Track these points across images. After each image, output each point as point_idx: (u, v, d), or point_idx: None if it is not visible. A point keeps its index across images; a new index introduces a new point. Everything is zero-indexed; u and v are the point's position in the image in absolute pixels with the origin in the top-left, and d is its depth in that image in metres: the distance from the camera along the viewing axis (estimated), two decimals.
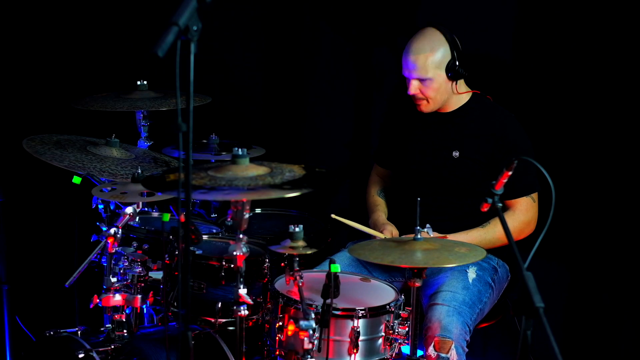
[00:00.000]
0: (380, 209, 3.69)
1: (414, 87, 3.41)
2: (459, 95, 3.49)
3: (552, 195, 2.46)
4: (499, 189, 2.55)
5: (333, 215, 3.33)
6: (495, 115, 3.47)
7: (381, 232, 3.47)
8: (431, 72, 3.39)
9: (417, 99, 3.44)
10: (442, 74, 3.41)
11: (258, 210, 3.84)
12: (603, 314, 3.90)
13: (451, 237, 3.35)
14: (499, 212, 2.52)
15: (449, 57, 3.41)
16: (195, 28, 2.11)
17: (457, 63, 3.41)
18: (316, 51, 4.37)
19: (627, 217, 3.76)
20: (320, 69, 4.37)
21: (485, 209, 2.57)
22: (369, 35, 4.24)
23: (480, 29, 3.91)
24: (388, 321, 2.89)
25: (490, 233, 3.40)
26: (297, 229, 2.79)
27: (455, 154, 3.46)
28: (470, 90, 3.51)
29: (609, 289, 3.87)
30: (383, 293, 3.05)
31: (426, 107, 3.46)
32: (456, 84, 3.45)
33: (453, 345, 3.09)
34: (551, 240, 2.66)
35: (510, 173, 2.54)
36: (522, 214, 3.42)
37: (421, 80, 3.40)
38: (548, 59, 3.85)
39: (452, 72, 3.41)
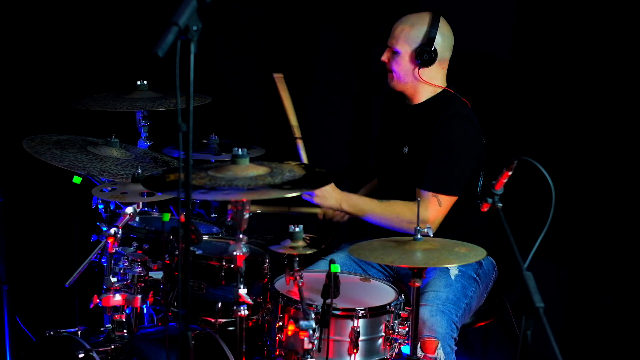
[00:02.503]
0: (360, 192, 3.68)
1: (384, 54, 3.45)
2: (425, 88, 3.43)
3: (552, 195, 2.46)
4: (499, 188, 2.55)
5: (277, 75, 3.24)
6: (446, 109, 3.38)
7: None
8: (400, 45, 3.39)
9: (386, 69, 3.46)
10: (409, 52, 3.39)
11: (258, 211, 3.83)
12: (603, 314, 3.90)
13: (353, 197, 3.33)
14: (499, 213, 2.52)
15: (422, 40, 3.37)
16: (195, 28, 2.11)
17: (427, 51, 3.36)
18: (316, 51, 4.37)
19: (627, 217, 3.76)
20: (320, 69, 4.37)
21: (485, 209, 2.57)
22: (369, 35, 4.24)
23: (480, 29, 3.91)
24: (388, 321, 2.89)
25: (385, 208, 3.29)
26: (297, 229, 2.79)
27: (405, 149, 3.44)
28: (438, 85, 3.44)
29: (609, 289, 3.87)
30: (383, 293, 3.05)
31: (390, 81, 3.46)
32: (419, 69, 3.39)
33: (439, 344, 3.08)
34: (551, 240, 2.66)
35: (510, 173, 2.54)
36: (422, 207, 3.11)
37: (391, 50, 3.42)
38: (548, 59, 3.85)
39: (416, 56, 3.37)
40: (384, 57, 3.44)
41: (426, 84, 3.43)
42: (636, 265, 3.76)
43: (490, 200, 2.55)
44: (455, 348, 3.16)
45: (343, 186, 4.28)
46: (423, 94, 3.46)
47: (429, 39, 3.37)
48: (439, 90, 3.45)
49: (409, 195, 3.36)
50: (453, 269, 3.33)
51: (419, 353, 3.05)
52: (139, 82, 3.70)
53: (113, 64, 4.39)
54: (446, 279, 3.30)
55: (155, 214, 3.53)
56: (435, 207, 3.29)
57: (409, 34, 3.39)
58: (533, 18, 3.88)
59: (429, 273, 3.35)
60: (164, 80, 3.17)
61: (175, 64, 2.10)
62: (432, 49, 3.37)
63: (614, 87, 3.72)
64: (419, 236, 2.84)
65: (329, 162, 4.38)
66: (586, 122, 3.79)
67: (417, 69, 3.40)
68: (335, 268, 2.68)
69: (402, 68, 3.41)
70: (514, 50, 3.93)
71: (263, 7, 4.40)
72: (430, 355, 3.05)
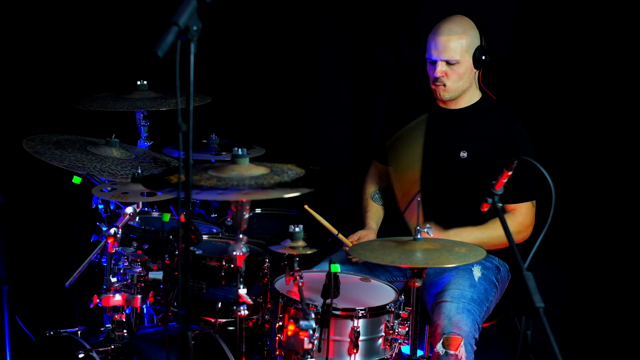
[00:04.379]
0: (371, 215, 3.66)
1: (440, 70, 3.41)
2: (472, 92, 3.50)
3: (552, 195, 2.46)
4: (499, 189, 2.55)
5: (306, 207, 3.27)
6: (504, 118, 3.49)
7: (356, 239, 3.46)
8: (460, 55, 3.40)
9: (438, 82, 3.44)
10: (469, 59, 3.42)
11: (258, 210, 3.83)
12: (603, 314, 3.90)
13: (452, 233, 3.34)
14: (499, 212, 2.53)
15: (477, 43, 3.44)
16: (195, 28, 2.11)
17: (484, 50, 3.44)
18: (316, 51, 4.37)
19: (627, 217, 3.76)
20: (320, 69, 4.37)
21: (485, 209, 2.57)
22: (369, 35, 4.24)
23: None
24: (388, 321, 2.89)
25: (490, 232, 3.39)
26: (297, 229, 2.79)
27: (463, 154, 3.45)
28: (484, 88, 3.54)
29: (609, 288, 3.87)
30: (383, 293, 3.05)
31: (447, 94, 3.46)
32: (480, 72, 3.48)
33: (463, 342, 3.09)
34: (551, 240, 2.65)
35: (510, 173, 2.54)
36: (522, 216, 3.42)
37: (448, 62, 3.41)
38: (548, 59, 3.85)
39: (477, 58, 3.43)
40: (440, 73, 3.41)
41: (476, 87, 3.50)
42: (636, 265, 3.76)
43: (490, 200, 2.55)
44: (475, 348, 3.17)
45: (343, 186, 4.31)
46: (469, 98, 3.51)
47: (484, 41, 3.45)
48: (479, 93, 3.53)
49: (466, 197, 3.45)
50: (476, 271, 3.36)
51: (440, 349, 3.07)
52: (139, 82, 3.70)
53: (113, 64, 4.39)
54: (470, 279, 3.32)
55: (155, 214, 3.53)
56: (532, 211, 3.44)
57: (467, 41, 3.41)
58: (533, 18, 3.88)
59: (450, 271, 3.38)
60: (164, 80, 3.17)
61: (175, 64, 2.10)
62: (489, 50, 3.46)
63: (614, 87, 3.72)
64: (419, 236, 2.84)
65: (329, 162, 4.38)
66: (586, 122, 3.78)
67: (477, 73, 3.48)
68: (335, 268, 2.68)
69: (463, 77, 3.44)
70: (514, 50, 3.93)
71: (263, 7, 4.40)
72: (452, 352, 3.07)
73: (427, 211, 2.81)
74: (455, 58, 3.39)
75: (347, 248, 3.35)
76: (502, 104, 3.57)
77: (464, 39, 3.40)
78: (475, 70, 3.46)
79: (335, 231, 3.33)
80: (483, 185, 3.42)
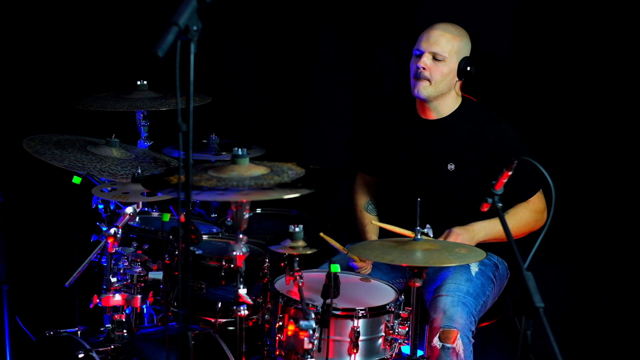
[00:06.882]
0: (370, 229, 3.62)
1: (424, 61, 3.37)
2: (452, 100, 3.46)
3: (552, 196, 2.46)
4: (499, 189, 2.55)
5: (321, 234, 3.27)
6: (489, 122, 3.44)
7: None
8: (448, 53, 3.37)
9: (420, 77, 3.38)
10: (455, 63, 3.39)
11: (258, 210, 3.83)
12: (603, 314, 3.90)
13: (477, 227, 3.36)
14: (499, 212, 2.52)
15: (466, 54, 3.42)
16: (195, 28, 2.11)
17: (470, 63, 3.41)
18: (316, 51, 4.37)
19: (627, 218, 3.76)
20: (320, 69, 4.37)
21: (486, 209, 2.57)
22: (369, 35, 4.24)
23: (480, 29, 3.90)
24: (388, 321, 2.89)
25: (512, 218, 3.39)
26: (297, 229, 2.79)
27: (451, 166, 3.43)
28: (464, 94, 3.51)
29: (609, 289, 3.87)
30: (383, 293, 3.05)
31: (425, 90, 3.39)
32: (460, 82, 3.44)
33: (459, 335, 3.09)
34: (551, 240, 2.65)
35: (510, 173, 2.54)
36: (535, 204, 3.45)
37: (435, 57, 3.37)
38: (548, 60, 3.85)
39: (462, 68, 3.39)
40: (423, 64, 3.36)
41: (457, 95, 3.47)
42: (636, 266, 3.76)
43: (490, 200, 2.55)
44: (473, 341, 3.16)
45: (343, 186, 4.31)
46: (448, 107, 3.47)
47: (472, 53, 3.44)
48: (460, 101, 3.49)
49: (456, 208, 3.44)
50: (473, 267, 3.36)
51: (437, 343, 3.07)
52: (139, 82, 3.70)
53: (113, 64, 4.39)
54: (467, 274, 3.33)
55: (155, 214, 3.53)
56: (543, 198, 3.47)
57: (459, 44, 3.39)
58: (533, 18, 3.88)
59: (448, 268, 3.38)
60: (164, 80, 3.17)
61: (175, 64, 2.10)
62: (474, 63, 3.43)
63: (614, 87, 3.71)
64: (419, 236, 2.84)
65: (329, 162, 4.38)
66: (586, 122, 3.78)
67: (456, 80, 3.43)
68: (335, 268, 2.68)
69: (446, 78, 3.40)
70: (515, 50, 3.93)
71: (263, 7, 4.40)
72: (449, 345, 3.07)
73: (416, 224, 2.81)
74: (443, 54, 3.36)
75: (357, 263, 3.35)
76: (501, 104, 3.57)
77: (456, 41, 3.39)
78: (456, 79, 3.42)
79: (345, 250, 3.30)
80: (473, 195, 3.41)
